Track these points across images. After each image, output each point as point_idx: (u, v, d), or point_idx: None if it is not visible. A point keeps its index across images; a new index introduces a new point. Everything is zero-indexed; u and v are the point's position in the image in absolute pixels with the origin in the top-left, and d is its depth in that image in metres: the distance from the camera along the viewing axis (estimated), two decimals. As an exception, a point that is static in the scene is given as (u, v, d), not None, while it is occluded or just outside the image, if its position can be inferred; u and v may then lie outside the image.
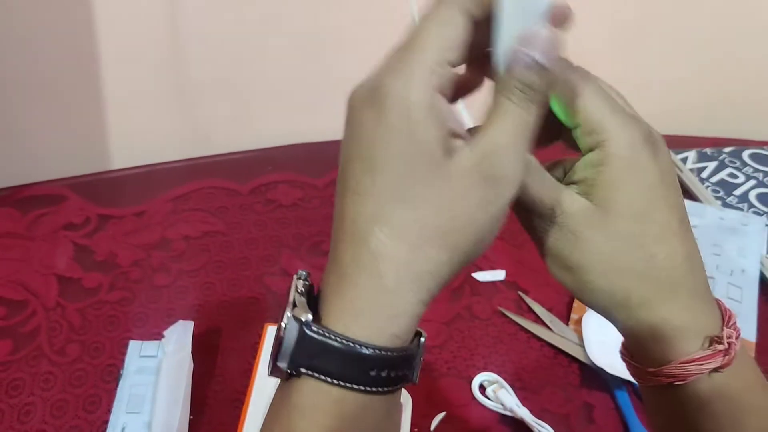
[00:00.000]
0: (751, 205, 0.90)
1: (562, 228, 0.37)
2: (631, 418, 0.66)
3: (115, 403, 0.63)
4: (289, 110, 0.96)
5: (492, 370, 0.71)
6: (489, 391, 0.69)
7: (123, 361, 0.67)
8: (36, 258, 0.78)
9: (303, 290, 0.35)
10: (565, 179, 0.39)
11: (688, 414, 0.38)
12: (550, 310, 0.76)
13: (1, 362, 0.69)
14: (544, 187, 0.37)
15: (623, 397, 0.68)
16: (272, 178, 0.91)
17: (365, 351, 0.32)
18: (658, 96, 0.96)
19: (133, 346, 0.68)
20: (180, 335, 0.67)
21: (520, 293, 0.78)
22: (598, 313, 0.39)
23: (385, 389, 0.33)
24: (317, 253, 0.82)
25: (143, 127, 0.93)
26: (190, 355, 0.66)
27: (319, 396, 0.33)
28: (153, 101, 0.91)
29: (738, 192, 0.92)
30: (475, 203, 0.32)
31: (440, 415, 0.67)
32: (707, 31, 0.99)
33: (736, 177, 0.94)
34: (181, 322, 0.68)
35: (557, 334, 0.74)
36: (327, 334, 0.32)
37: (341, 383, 0.32)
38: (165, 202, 0.86)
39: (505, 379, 0.69)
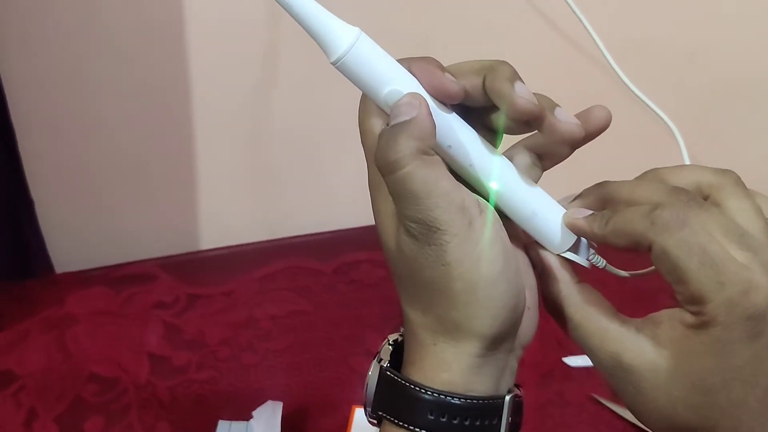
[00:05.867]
0: None
1: (621, 378, 0.36)
2: None
3: (205, 485, 0.63)
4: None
5: (587, 460, 0.68)
6: (585, 481, 0.66)
7: (212, 441, 0.67)
8: (128, 336, 0.80)
9: (392, 344, 0.39)
10: (645, 321, 0.36)
11: None
12: (645, 396, 0.73)
13: (93, 439, 0.70)
14: (608, 336, 0.36)
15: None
16: (355, 257, 0.91)
17: (415, 390, 0.36)
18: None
19: (222, 426, 0.68)
20: (269, 416, 0.66)
21: (613, 378, 0.76)
22: None
23: None
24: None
25: (229, 208, 0.96)
26: (279, 437, 0.65)
27: None
28: (239, 183, 0.94)
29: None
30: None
31: (534, 507, 0.64)
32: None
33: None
34: (270, 402, 0.68)
35: (654, 423, 0.71)
36: (394, 375, 0.37)
37: (403, 424, 0.36)
38: (252, 281, 0.87)
39: (601, 470, 0.67)
